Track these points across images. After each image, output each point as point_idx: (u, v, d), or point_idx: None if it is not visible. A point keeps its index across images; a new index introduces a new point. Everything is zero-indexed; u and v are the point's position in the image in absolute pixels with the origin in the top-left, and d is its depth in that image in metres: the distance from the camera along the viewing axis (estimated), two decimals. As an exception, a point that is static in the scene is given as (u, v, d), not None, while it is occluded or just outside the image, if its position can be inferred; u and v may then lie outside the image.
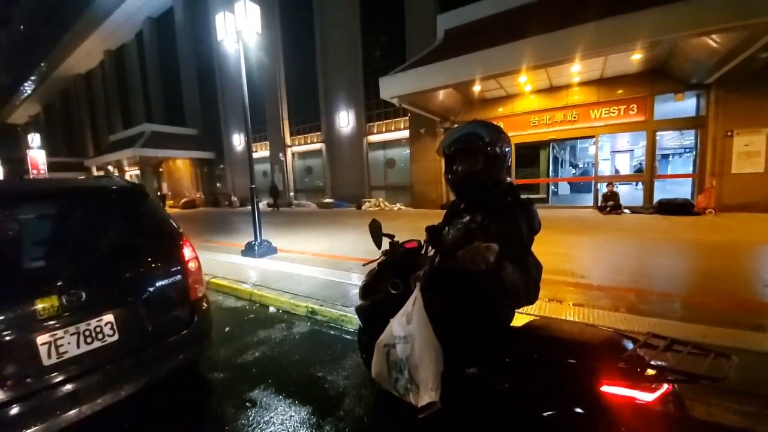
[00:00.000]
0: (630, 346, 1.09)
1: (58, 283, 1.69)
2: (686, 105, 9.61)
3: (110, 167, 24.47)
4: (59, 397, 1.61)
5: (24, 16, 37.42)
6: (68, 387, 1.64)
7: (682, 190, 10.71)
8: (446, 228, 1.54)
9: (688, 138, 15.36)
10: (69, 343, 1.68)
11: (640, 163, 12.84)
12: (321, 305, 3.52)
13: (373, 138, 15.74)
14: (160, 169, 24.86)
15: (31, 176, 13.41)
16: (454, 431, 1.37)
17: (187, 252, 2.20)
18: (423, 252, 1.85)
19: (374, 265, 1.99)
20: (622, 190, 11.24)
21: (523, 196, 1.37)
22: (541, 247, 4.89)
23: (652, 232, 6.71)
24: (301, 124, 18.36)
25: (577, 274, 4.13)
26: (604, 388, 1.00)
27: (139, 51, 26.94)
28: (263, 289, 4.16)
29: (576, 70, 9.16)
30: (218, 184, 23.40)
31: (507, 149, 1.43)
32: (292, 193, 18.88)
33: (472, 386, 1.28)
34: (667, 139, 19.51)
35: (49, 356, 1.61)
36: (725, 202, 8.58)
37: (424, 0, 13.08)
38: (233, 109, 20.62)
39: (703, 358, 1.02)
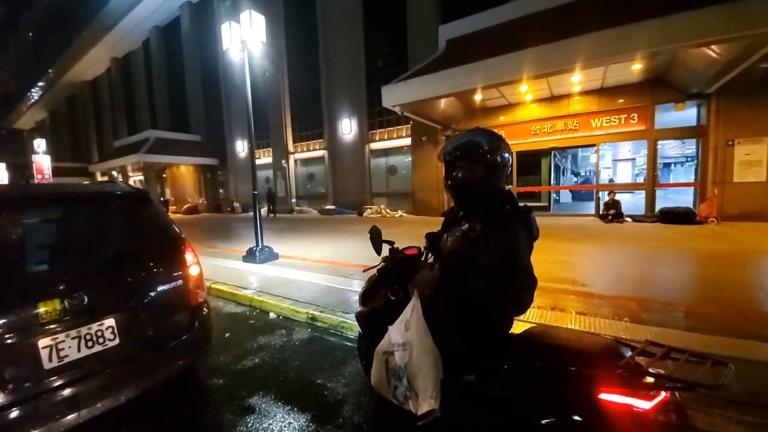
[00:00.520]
0: (628, 353, 1.09)
1: (61, 287, 1.70)
2: (687, 114, 9.65)
3: (114, 173, 24.66)
4: (59, 400, 1.61)
5: (33, 23, 38.12)
6: (68, 391, 1.64)
7: (684, 198, 10.69)
8: (445, 235, 1.55)
9: (690, 147, 15.39)
10: (70, 347, 1.69)
11: (642, 172, 12.84)
12: (321, 312, 3.51)
13: (375, 145, 15.83)
14: (164, 175, 25.03)
15: (36, 181, 13.54)
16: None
17: (189, 257, 2.21)
18: (423, 259, 1.86)
19: (374, 271, 2.00)
20: (623, 198, 11.24)
21: (523, 204, 1.38)
22: (542, 255, 4.87)
23: (653, 240, 6.69)
24: (303, 131, 18.51)
25: (579, 282, 4.12)
26: (602, 396, 1.00)
27: (146, 58, 27.35)
28: (264, 295, 4.16)
29: (577, 79, 9.24)
30: (221, 190, 23.53)
31: (507, 157, 1.45)
32: (294, 200, 18.95)
33: (472, 393, 1.28)
34: (669, 148, 19.54)
35: (50, 360, 1.62)
36: (727, 211, 8.56)
37: (427, 11, 13.28)
38: (237, 116, 20.83)
39: (701, 365, 1.03)
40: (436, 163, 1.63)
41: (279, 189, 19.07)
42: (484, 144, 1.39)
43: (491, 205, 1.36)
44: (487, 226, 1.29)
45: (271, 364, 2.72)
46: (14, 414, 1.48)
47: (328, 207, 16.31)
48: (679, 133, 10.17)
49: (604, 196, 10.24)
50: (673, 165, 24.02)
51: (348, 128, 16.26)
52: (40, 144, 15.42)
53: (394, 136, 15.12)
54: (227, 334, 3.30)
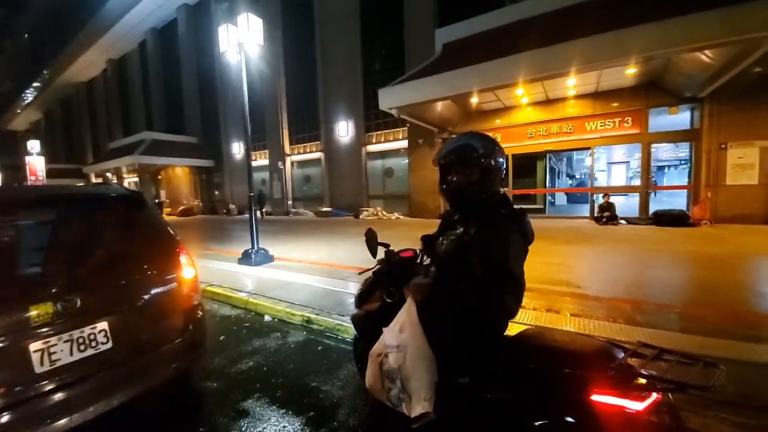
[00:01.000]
0: (620, 355, 1.10)
1: (53, 290, 1.68)
2: (681, 118, 9.77)
3: (109, 174, 24.48)
4: (51, 405, 1.59)
5: (29, 24, 37.87)
6: (60, 395, 1.62)
7: (678, 201, 10.79)
8: (440, 238, 1.56)
9: (683, 150, 15.56)
10: (62, 351, 1.67)
11: (636, 175, 12.96)
12: (317, 314, 3.50)
13: (371, 148, 15.85)
14: (159, 177, 24.89)
15: (30, 183, 13.41)
16: (448, 442, 1.36)
17: (183, 260, 2.20)
18: (418, 261, 1.87)
19: (370, 273, 2.00)
20: (618, 201, 11.32)
21: (518, 207, 1.39)
22: (537, 258, 4.90)
23: (647, 242, 6.74)
24: (300, 133, 18.50)
25: (573, 284, 4.14)
26: (594, 397, 1.01)
27: (142, 60, 27.25)
28: (259, 297, 4.14)
29: (572, 83, 9.32)
30: (216, 192, 23.42)
31: (501, 161, 1.46)
32: (290, 202, 18.90)
33: (466, 396, 1.28)
34: (663, 152, 19.74)
35: (42, 364, 1.60)
36: (720, 214, 8.66)
37: (424, 15, 13.35)
38: (233, 117, 20.79)
39: (693, 367, 1.03)
40: (433, 165, 1.65)
41: (275, 191, 19.01)
42: (479, 148, 1.40)
43: (486, 209, 1.37)
44: (481, 229, 1.30)
45: (266, 367, 2.71)
46: (5, 418, 1.46)
47: (325, 209, 16.29)
48: (673, 137, 10.27)
49: (599, 199, 10.31)
50: (667, 168, 24.27)
51: (345, 130, 16.28)
52: (34, 145, 15.28)
53: (391, 139, 15.15)
54: (222, 337, 3.29)
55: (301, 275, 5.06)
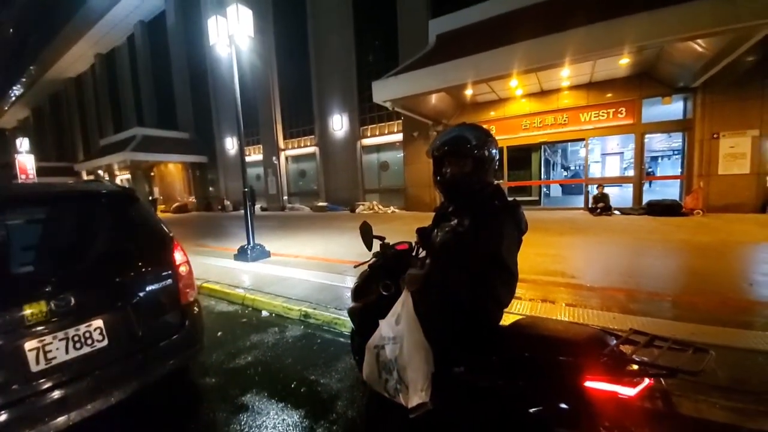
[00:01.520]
0: (613, 342, 1.12)
1: (47, 288, 1.67)
2: (674, 108, 9.82)
3: (101, 171, 24.17)
4: (48, 403, 1.59)
5: (13, 19, 36.94)
6: (57, 393, 1.62)
7: (671, 191, 10.89)
8: (435, 230, 1.56)
9: (677, 140, 15.66)
10: (58, 349, 1.67)
11: (630, 165, 13.04)
12: (314, 308, 3.51)
13: (366, 141, 15.77)
14: (152, 173, 24.62)
15: (20, 181, 13.20)
16: (446, 430, 1.38)
17: (178, 256, 2.19)
18: (414, 254, 1.87)
19: (366, 267, 2.01)
20: (612, 191, 11.41)
21: (511, 198, 1.40)
22: (532, 249, 4.92)
23: (641, 232, 6.82)
24: (294, 127, 18.35)
25: (568, 274, 4.18)
26: (588, 384, 1.02)
27: (131, 54, 26.71)
28: (256, 293, 4.14)
29: (566, 74, 9.31)
30: (211, 188, 23.23)
31: (494, 152, 1.46)
32: (285, 197, 18.81)
33: (462, 385, 1.29)
34: (656, 142, 19.85)
35: (38, 362, 1.60)
36: (713, 203, 8.76)
37: (416, 5, 13.20)
38: (226, 112, 20.54)
39: (683, 353, 1.05)
40: (427, 157, 1.65)
41: (270, 186, 18.90)
42: (472, 139, 1.40)
43: (479, 200, 1.37)
44: (474, 220, 1.30)
45: (264, 362, 2.72)
46: (3, 418, 1.46)
47: (321, 204, 16.24)
48: (666, 127, 10.33)
49: (593, 190, 10.38)
50: (660, 158, 24.44)
51: (339, 124, 16.16)
52: (23, 143, 15.01)
53: (386, 132, 15.08)
54: (219, 333, 3.29)
55: (298, 270, 5.06)
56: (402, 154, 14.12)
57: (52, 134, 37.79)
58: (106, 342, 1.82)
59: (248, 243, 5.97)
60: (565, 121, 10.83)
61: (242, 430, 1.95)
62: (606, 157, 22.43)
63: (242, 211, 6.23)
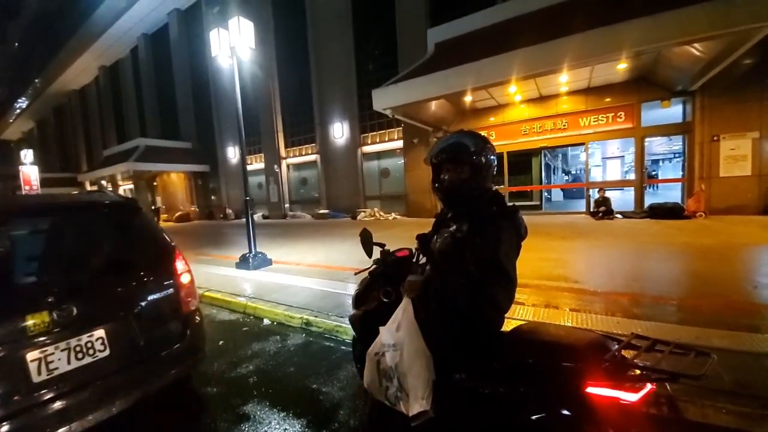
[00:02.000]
0: (614, 347, 1.11)
1: (49, 299, 1.68)
2: (673, 111, 9.83)
3: (104, 182, 24.34)
4: (49, 414, 1.59)
5: (19, 32, 37.60)
6: (58, 404, 1.62)
7: (674, 194, 10.87)
8: (434, 237, 1.57)
9: (678, 143, 15.65)
10: (59, 360, 1.67)
11: (631, 169, 13.03)
12: (316, 316, 3.50)
13: (367, 148, 15.85)
14: (154, 183, 24.78)
15: (24, 192, 13.31)
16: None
17: (180, 265, 2.20)
18: (414, 260, 1.87)
19: (366, 274, 2.01)
20: (614, 195, 11.39)
21: (511, 204, 1.40)
22: (535, 253, 4.90)
23: (643, 236, 6.79)
24: (295, 135, 18.48)
25: (571, 279, 4.16)
26: (589, 390, 1.02)
27: (134, 66, 27.10)
28: (257, 301, 4.14)
29: (564, 79, 9.37)
30: (213, 197, 23.34)
31: (492, 158, 1.47)
32: (287, 205, 18.87)
33: (464, 392, 1.29)
34: (657, 145, 19.85)
35: (39, 373, 1.60)
36: (715, 206, 8.72)
37: (415, 15, 13.38)
38: (227, 122, 20.73)
39: (685, 357, 1.05)
40: (425, 164, 1.67)
41: (272, 194, 18.97)
42: (470, 145, 1.41)
43: (478, 206, 1.38)
44: (473, 226, 1.31)
45: (265, 370, 2.71)
46: (4, 429, 1.46)
47: (322, 211, 16.27)
48: (666, 130, 10.35)
49: (595, 194, 10.36)
50: (661, 161, 24.42)
51: (340, 132, 16.27)
52: (26, 154, 15.18)
53: (386, 139, 15.16)
54: (221, 342, 3.28)
55: (299, 278, 5.06)
56: (402, 161, 14.18)
57: (56, 145, 38.19)
58: (108, 352, 1.82)
59: (250, 251, 5.98)
60: (564, 126, 10.87)
61: (244, 440, 1.93)
62: (607, 161, 22.45)
63: (244, 220, 6.26)
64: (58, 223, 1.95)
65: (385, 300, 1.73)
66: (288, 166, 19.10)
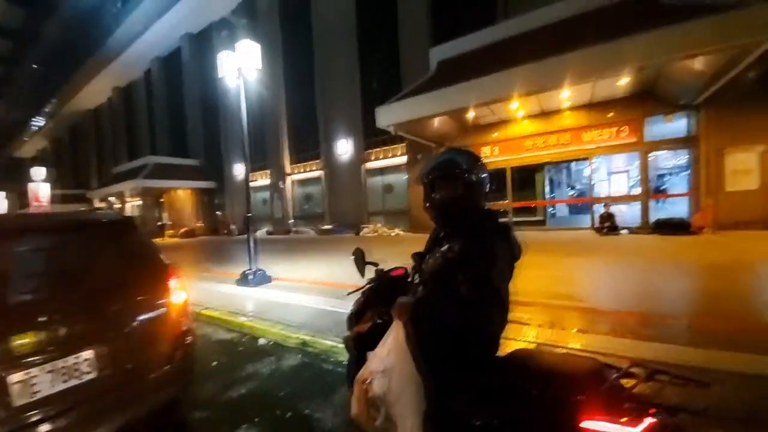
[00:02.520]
0: (612, 376, 1.05)
1: (36, 319, 1.65)
2: (678, 125, 9.79)
3: (112, 198, 24.75)
4: (30, 439, 1.54)
5: (37, 55, 39.18)
6: (42, 428, 1.57)
7: (679, 209, 10.70)
8: (426, 256, 1.53)
9: (684, 157, 15.50)
10: (44, 382, 1.63)
11: (637, 183, 12.90)
12: (313, 336, 3.43)
13: (371, 165, 15.99)
14: (161, 200, 25.12)
15: (32, 208, 13.54)
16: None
17: (173, 285, 2.17)
18: (410, 279, 1.83)
19: (359, 294, 1.96)
20: (620, 210, 11.24)
21: (504, 222, 1.37)
22: (539, 270, 4.78)
23: (650, 252, 6.64)
24: (301, 152, 18.75)
25: (576, 297, 4.05)
26: (585, 424, 0.95)
27: (147, 87, 28.04)
28: (254, 319, 4.07)
29: (565, 95, 9.43)
30: (218, 213, 23.57)
31: (484, 176, 1.44)
32: (291, 220, 18.95)
33: (454, 423, 1.21)
34: (663, 159, 19.67)
35: (21, 396, 1.56)
36: (722, 220, 8.54)
37: (418, 34, 13.72)
38: (235, 140, 21.15)
39: (685, 387, 0.98)
40: (416, 183, 1.64)
41: (276, 210, 19.10)
42: (462, 163, 1.39)
43: (470, 224, 1.34)
44: (465, 246, 1.27)
45: (257, 394, 2.62)
46: (-21, 456, 1.41)
47: (326, 227, 16.30)
48: (670, 144, 10.29)
49: (600, 209, 10.25)
50: (668, 175, 24.15)
51: (344, 148, 16.47)
52: (37, 172, 15.52)
53: (390, 155, 15.29)
54: (215, 363, 3.21)
55: (299, 295, 4.99)
56: (406, 177, 14.23)
57: (69, 163, 39.16)
58: (95, 374, 1.77)
59: (250, 268, 5.96)
60: (567, 141, 10.87)
61: (231, 468, 1.85)
62: (612, 176, 22.26)
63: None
64: (48, 242, 1.93)
65: (379, 321, 1.68)
66: (293, 182, 19.30)
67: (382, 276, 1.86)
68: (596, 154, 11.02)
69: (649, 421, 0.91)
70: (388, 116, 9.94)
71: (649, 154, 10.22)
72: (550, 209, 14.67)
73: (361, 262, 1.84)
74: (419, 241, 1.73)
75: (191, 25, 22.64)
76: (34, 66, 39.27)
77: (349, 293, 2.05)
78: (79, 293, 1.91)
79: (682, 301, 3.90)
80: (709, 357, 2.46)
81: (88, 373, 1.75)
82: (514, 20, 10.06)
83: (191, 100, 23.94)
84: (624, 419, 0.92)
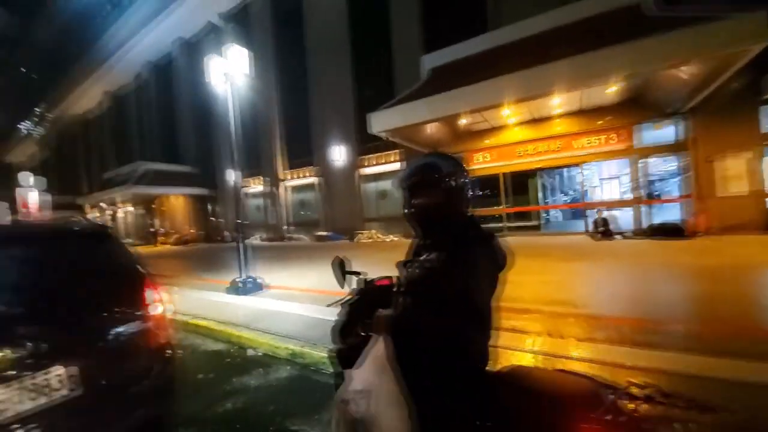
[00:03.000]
0: (609, 397, 0.99)
1: (3, 334, 1.56)
2: (668, 132, 9.89)
3: (103, 205, 24.40)
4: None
5: (25, 59, 38.82)
6: (7, 451, 1.47)
7: (673, 214, 10.78)
8: (406, 265, 1.46)
9: (675, 163, 15.69)
10: (11, 400, 1.53)
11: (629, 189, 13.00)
12: (302, 347, 3.33)
13: (365, 171, 15.97)
14: (153, 206, 24.83)
15: (21, 215, 13.24)
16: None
17: (150, 295, 2.08)
18: (396, 289, 1.76)
19: (340, 306, 1.88)
20: (616, 215, 11.29)
21: (486, 229, 1.30)
22: (535, 276, 4.72)
23: (644, 257, 6.65)
24: (295, 158, 18.68)
25: (572, 303, 4.00)
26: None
27: (138, 92, 27.82)
28: (243, 329, 3.96)
29: (555, 102, 9.52)
30: (212, 219, 23.33)
31: (465, 181, 1.38)
32: (286, 227, 18.80)
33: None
34: (655, 165, 19.89)
35: (-15, 417, 1.46)
36: (715, 225, 8.62)
37: (411, 41, 13.83)
38: (227, 146, 20.95)
39: (687, 411, 0.93)
40: (395, 189, 1.57)
41: (271, 217, 18.95)
42: (441, 168, 1.32)
43: (451, 232, 1.28)
44: (444, 254, 1.20)
45: (243, 409, 2.52)
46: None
47: (321, 233, 16.18)
48: (660, 151, 10.38)
49: (593, 214, 10.30)
50: (661, 180, 24.45)
51: (338, 155, 16.43)
52: (25, 177, 15.21)
53: (384, 162, 15.29)
54: (200, 375, 3.10)
55: (290, 304, 4.89)
56: (400, 183, 14.21)
57: (58, 169, 38.60)
58: (66, 391, 1.68)
59: (240, 276, 5.84)
60: (558, 147, 10.95)
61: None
62: (604, 182, 22.47)
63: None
64: (18, 252, 1.84)
65: (362, 334, 1.61)
66: (287, 188, 19.19)
67: (366, 286, 1.79)
68: (587, 161, 11.11)
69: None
70: (380, 122, 9.94)
71: (640, 161, 10.31)
72: (545, 215, 14.72)
73: (340, 271, 1.76)
74: (414, 248, 1.66)
75: (184, 30, 22.60)
76: (22, 70, 38.87)
77: (329, 305, 1.94)
78: (50, 306, 1.82)
79: (679, 306, 3.85)
80: (712, 364, 2.40)
81: (60, 389, 1.66)
82: (505, 29, 10.16)
83: (183, 106, 23.80)
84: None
